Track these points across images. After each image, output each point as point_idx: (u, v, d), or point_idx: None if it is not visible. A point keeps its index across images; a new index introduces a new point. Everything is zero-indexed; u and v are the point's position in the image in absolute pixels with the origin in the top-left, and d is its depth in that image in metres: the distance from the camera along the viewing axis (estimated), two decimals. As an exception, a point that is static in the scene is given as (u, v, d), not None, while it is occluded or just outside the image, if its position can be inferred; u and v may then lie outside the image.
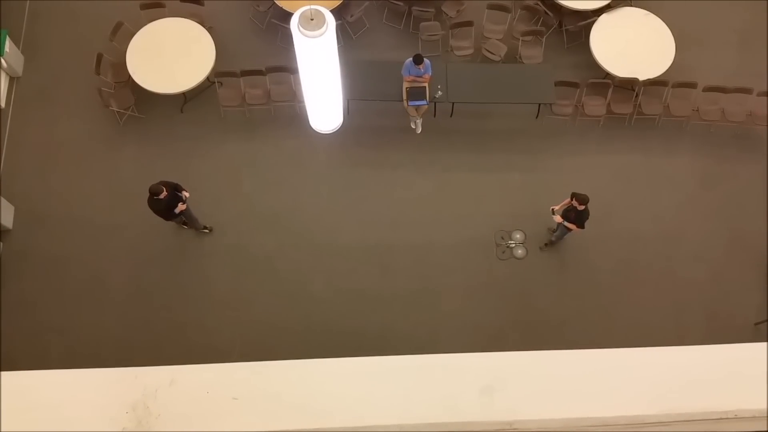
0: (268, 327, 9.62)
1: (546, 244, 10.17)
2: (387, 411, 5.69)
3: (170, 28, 10.57)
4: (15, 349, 9.32)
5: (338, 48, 5.14)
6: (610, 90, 10.52)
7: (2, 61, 10.28)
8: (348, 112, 10.15)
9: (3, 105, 10.56)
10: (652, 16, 10.83)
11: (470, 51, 10.88)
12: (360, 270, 10.00)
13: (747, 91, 10.47)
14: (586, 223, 9.04)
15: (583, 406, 5.75)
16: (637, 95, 10.54)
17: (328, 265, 10.01)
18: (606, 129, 10.76)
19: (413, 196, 10.36)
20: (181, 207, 8.99)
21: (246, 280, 9.90)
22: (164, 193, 8.63)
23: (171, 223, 9.54)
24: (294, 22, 4.65)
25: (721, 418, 5.77)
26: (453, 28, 10.92)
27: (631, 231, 10.25)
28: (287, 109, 10.52)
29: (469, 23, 10.79)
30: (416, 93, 10.00)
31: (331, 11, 4.73)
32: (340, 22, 10.74)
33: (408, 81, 9.99)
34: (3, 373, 5.73)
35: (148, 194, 8.63)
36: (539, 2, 10.96)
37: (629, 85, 10.54)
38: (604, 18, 10.83)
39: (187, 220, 9.58)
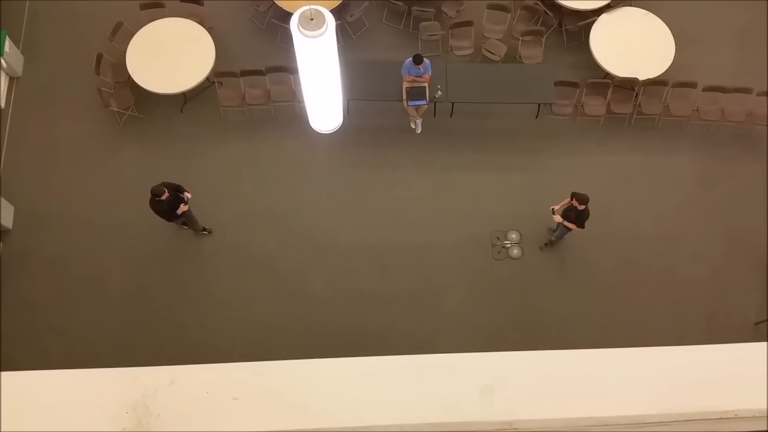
0: (268, 327, 9.62)
1: (546, 244, 10.17)
2: (387, 411, 5.69)
3: (170, 28, 10.56)
4: (15, 349, 9.32)
5: (338, 48, 5.15)
6: (610, 90, 10.51)
7: (2, 61, 10.28)
8: (348, 112, 10.15)
9: (3, 105, 10.56)
10: (651, 15, 10.82)
11: (470, 51, 10.88)
12: (360, 270, 10.00)
13: (747, 90, 10.47)
14: (586, 223, 9.04)
15: (583, 406, 5.75)
16: (636, 95, 10.54)
17: (328, 265, 10.01)
18: (606, 129, 10.76)
19: (413, 196, 10.36)
20: (183, 208, 8.98)
21: (246, 280, 9.90)
22: (166, 195, 8.62)
23: (171, 223, 9.53)
24: (294, 22, 4.65)
25: (721, 418, 5.77)
26: (453, 28, 10.92)
27: (631, 231, 10.25)
28: (287, 109, 10.52)
29: (469, 23, 10.79)
30: (416, 93, 10.00)
31: (331, 11, 4.73)
32: (339, 22, 10.74)
33: (408, 81, 9.99)
34: (3, 373, 5.73)
35: (148, 195, 8.63)
36: (539, 2, 10.96)
37: (629, 84, 10.54)
38: (603, 18, 10.83)
39: (187, 221, 9.58)
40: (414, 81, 9.97)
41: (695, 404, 5.76)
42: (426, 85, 10.03)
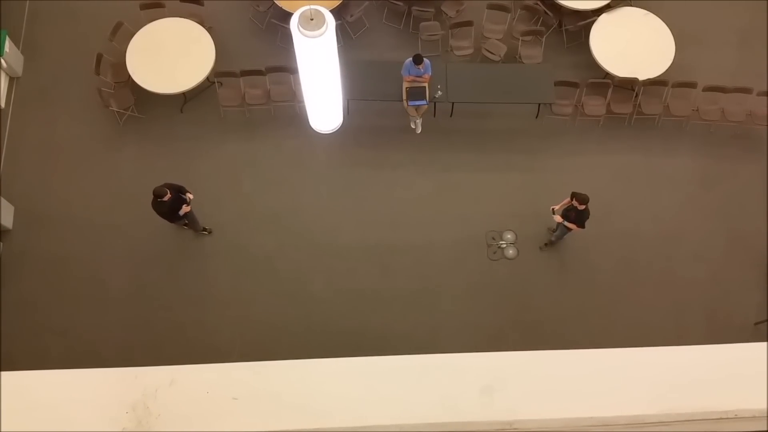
0: (268, 327, 9.62)
1: (546, 244, 10.17)
2: (387, 411, 5.69)
3: (170, 28, 10.56)
4: (15, 349, 9.32)
5: (338, 48, 5.15)
6: (610, 90, 10.51)
7: (2, 61, 10.28)
8: (348, 112, 10.15)
9: (3, 105, 10.56)
10: (651, 15, 10.82)
11: (470, 51, 10.88)
12: (360, 270, 10.00)
13: (747, 90, 10.47)
14: (587, 223, 9.04)
15: (583, 406, 5.75)
16: (636, 95, 10.54)
17: (328, 265, 10.01)
18: (606, 129, 10.76)
19: (413, 196, 10.36)
20: (185, 209, 8.98)
21: (246, 280, 9.90)
22: (168, 196, 8.62)
23: (172, 224, 9.52)
24: (294, 22, 4.65)
25: (721, 418, 5.77)
26: (453, 28, 10.92)
27: (631, 231, 10.25)
28: (287, 109, 10.52)
29: (469, 23, 10.79)
30: (416, 93, 10.00)
31: (331, 11, 4.74)
32: (339, 22, 10.74)
33: (408, 81, 9.99)
34: (3, 373, 5.73)
35: (148, 195, 8.63)
36: (539, 2, 10.96)
37: (629, 84, 10.54)
38: (603, 18, 10.83)
39: (188, 221, 9.57)
40: (414, 81, 9.97)
41: (695, 404, 5.76)
42: (426, 85, 10.03)
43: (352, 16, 10.87)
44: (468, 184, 10.45)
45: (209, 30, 10.61)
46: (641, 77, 10.41)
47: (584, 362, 6.04)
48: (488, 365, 6.00)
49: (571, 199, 8.90)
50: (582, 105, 10.61)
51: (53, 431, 5.50)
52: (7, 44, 10.27)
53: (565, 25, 11.08)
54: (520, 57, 10.89)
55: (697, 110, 10.59)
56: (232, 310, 9.74)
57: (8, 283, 9.72)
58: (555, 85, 10.36)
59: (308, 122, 6.24)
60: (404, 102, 10.10)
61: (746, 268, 10.12)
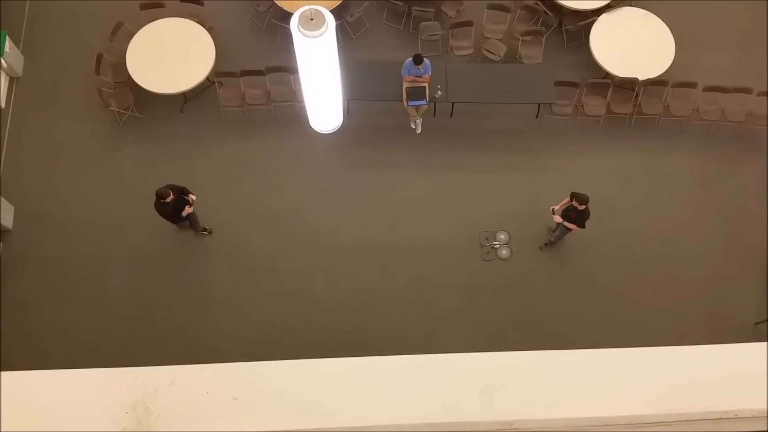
0: (268, 327, 9.62)
1: (546, 244, 10.17)
2: (387, 411, 5.68)
3: (170, 28, 10.56)
4: (15, 349, 9.33)
5: (338, 48, 5.15)
6: (610, 90, 10.52)
7: (2, 61, 10.28)
8: (348, 112, 10.15)
9: (3, 105, 10.56)
10: (651, 15, 10.82)
11: (470, 51, 10.88)
12: (360, 270, 10.00)
13: (747, 90, 10.47)
14: (587, 223, 9.04)
15: (583, 406, 5.75)
16: (636, 95, 10.54)
17: (328, 265, 10.01)
18: (606, 129, 10.76)
19: (413, 196, 10.36)
20: (187, 210, 8.98)
21: (246, 280, 9.90)
22: (171, 197, 8.62)
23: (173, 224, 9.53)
24: (294, 22, 4.65)
25: (721, 418, 5.77)
26: (453, 28, 10.92)
27: (631, 231, 10.25)
28: (287, 109, 10.52)
29: (469, 23, 10.79)
30: (416, 93, 10.00)
31: (331, 11, 4.74)
32: (339, 22, 10.74)
33: (408, 81, 9.99)
34: (3, 373, 5.73)
35: (150, 195, 8.62)
36: (539, 2, 10.96)
37: (629, 84, 10.54)
38: (603, 18, 10.83)
39: (189, 222, 9.57)
40: (414, 81, 9.97)
41: (695, 404, 5.76)
42: (426, 85, 10.03)
43: (352, 16, 10.87)
44: (468, 184, 10.45)
45: (209, 30, 10.60)
46: (641, 77, 10.41)
47: (584, 362, 6.03)
48: (488, 365, 6.00)
49: (571, 200, 8.90)
50: (582, 105, 10.61)
51: (53, 431, 5.50)
52: (7, 44, 10.27)
53: (565, 25, 11.08)
54: (520, 57, 10.89)
55: (697, 110, 10.59)
56: (232, 310, 9.74)
57: (8, 283, 9.72)
58: (555, 85, 10.36)
59: (308, 122, 6.24)
60: (404, 102, 10.10)
61: (746, 268, 10.12)
